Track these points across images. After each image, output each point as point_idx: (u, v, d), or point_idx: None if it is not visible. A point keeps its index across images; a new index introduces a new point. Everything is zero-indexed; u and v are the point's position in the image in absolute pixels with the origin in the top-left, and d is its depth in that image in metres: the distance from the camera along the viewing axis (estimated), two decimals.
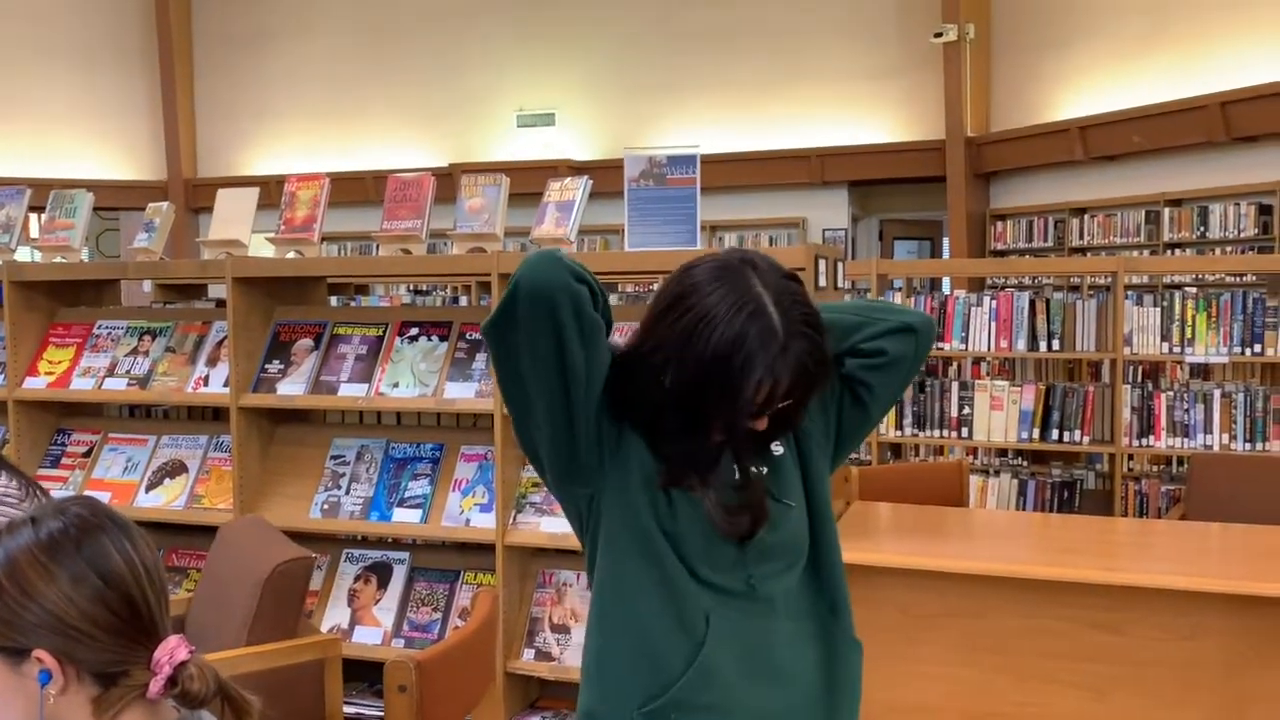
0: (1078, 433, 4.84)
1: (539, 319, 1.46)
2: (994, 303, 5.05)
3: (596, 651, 1.61)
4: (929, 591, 3.09)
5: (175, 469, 3.94)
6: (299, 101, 12.28)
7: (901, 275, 6.25)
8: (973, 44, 9.90)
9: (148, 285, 5.24)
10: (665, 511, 1.55)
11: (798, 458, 1.65)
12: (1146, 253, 8.78)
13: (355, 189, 10.29)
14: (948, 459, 5.39)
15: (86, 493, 3.81)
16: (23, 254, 4.38)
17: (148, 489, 3.91)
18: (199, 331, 4.00)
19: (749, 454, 1.57)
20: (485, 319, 1.52)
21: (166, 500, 3.87)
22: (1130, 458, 5.13)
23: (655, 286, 1.60)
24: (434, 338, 3.67)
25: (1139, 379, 5.27)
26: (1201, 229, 8.47)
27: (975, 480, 5.12)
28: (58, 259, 4.14)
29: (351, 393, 3.64)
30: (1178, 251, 8.64)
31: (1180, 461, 5.26)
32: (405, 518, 3.56)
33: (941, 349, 5.15)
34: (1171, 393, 4.75)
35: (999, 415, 4.96)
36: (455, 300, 8.48)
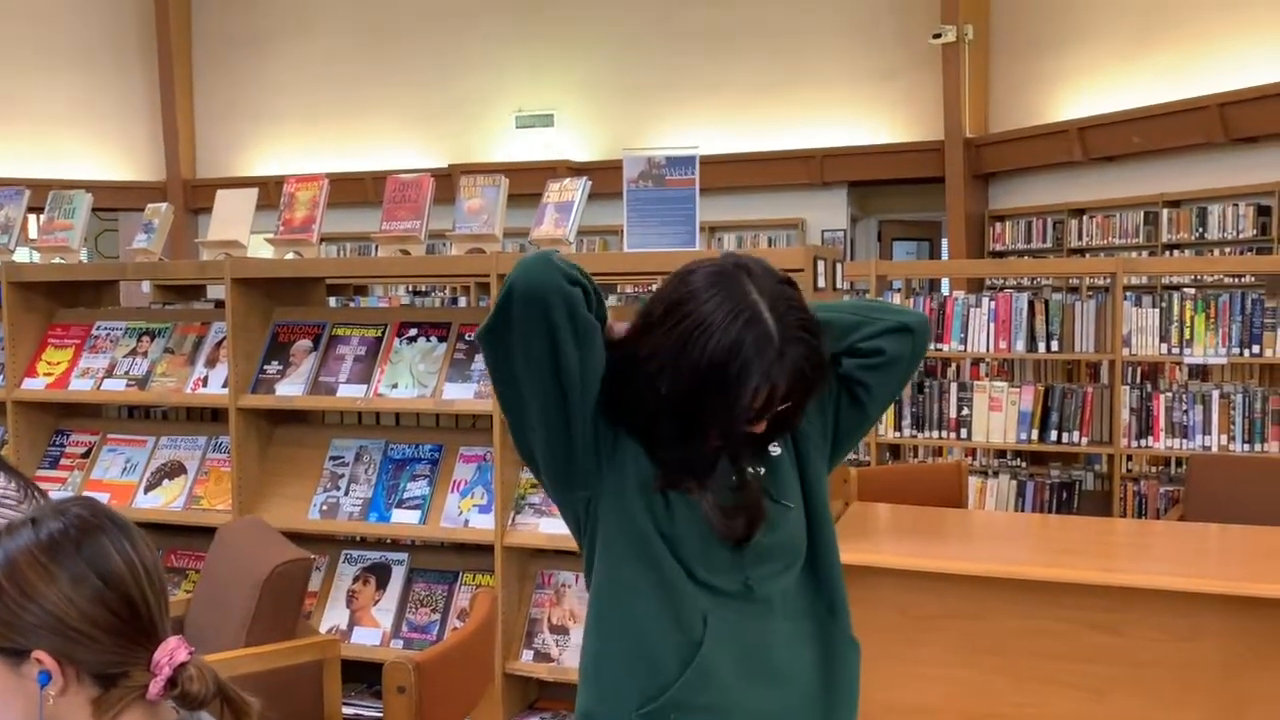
0: (1076, 434, 4.84)
1: (533, 320, 1.46)
2: (993, 304, 5.05)
3: (594, 653, 1.61)
4: (928, 592, 3.09)
5: (174, 470, 3.94)
6: (298, 102, 12.28)
7: (900, 276, 6.26)
8: (971, 45, 9.90)
9: (146, 286, 5.24)
10: (662, 513, 1.55)
11: (795, 458, 1.65)
12: (1145, 253, 8.78)
13: (354, 190, 10.29)
14: (946, 460, 5.39)
15: (85, 493, 3.81)
16: (21, 255, 4.38)
17: (146, 490, 3.91)
18: (198, 332, 4.00)
19: (746, 455, 1.57)
20: (480, 325, 1.52)
21: (165, 501, 3.87)
22: (1129, 459, 5.14)
23: (654, 287, 1.60)
24: (433, 338, 3.67)
25: (1138, 380, 5.27)
26: (1200, 230, 8.47)
27: (974, 481, 5.12)
28: (56, 260, 4.14)
29: (350, 393, 3.64)
30: (1176, 252, 8.65)
31: (1179, 462, 5.26)
32: (404, 519, 3.56)
33: (940, 350, 5.16)
34: (1170, 394, 4.75)
35: (998, 416, 4.96)
36: (454, 301, 8.48)
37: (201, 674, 1.38)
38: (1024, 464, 5.45)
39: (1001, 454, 5.53)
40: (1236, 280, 7.47)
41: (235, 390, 3.73)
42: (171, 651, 1.37)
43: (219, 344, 3.88)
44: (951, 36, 9.83)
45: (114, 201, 11.19)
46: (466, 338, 3.63)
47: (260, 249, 4.02)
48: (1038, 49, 9.62)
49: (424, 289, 9.17)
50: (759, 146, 10.62)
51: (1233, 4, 8.09)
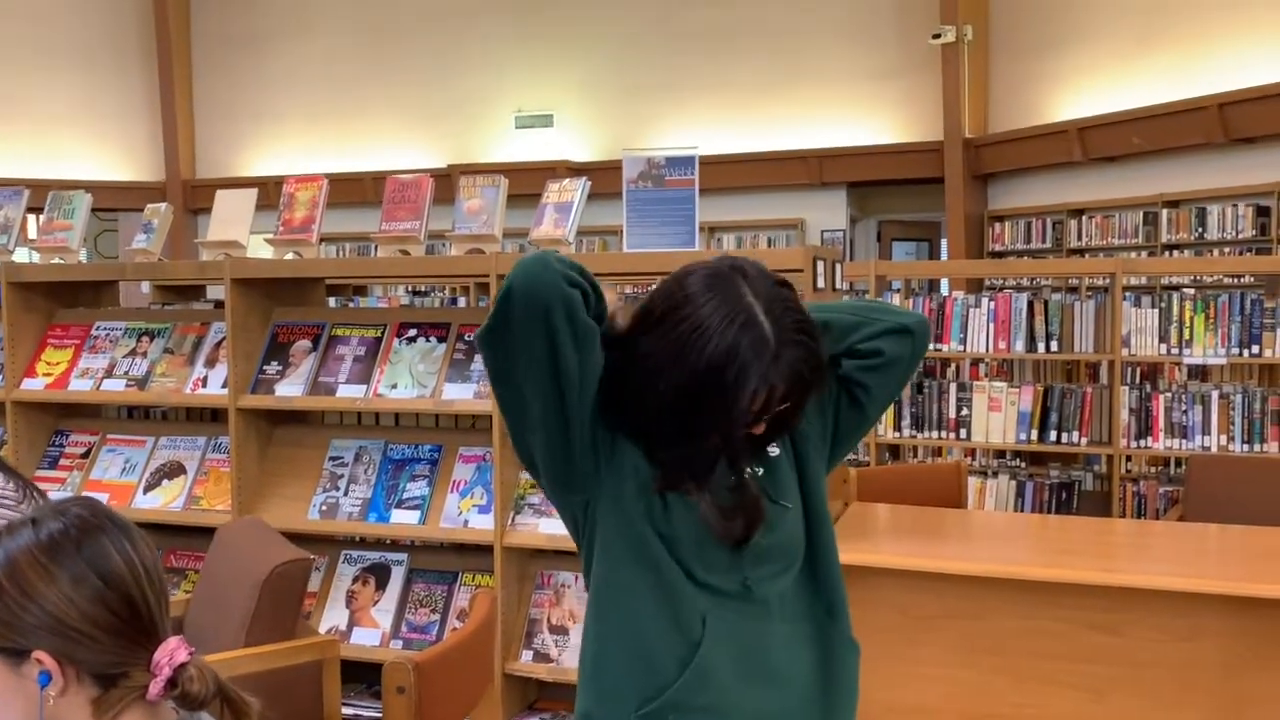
0: (1076, 434, 4.84)
1: (531, 322, 1.46)
2: (992, 304, 5.06)
3: (593, 654, 1.61)
4: (927, 593, 3.09)
5: (173, 470, 3.94)
6: (297, 102, 12.28)
7: (900, 276, 6.26)
8: (971, 45, 9.91)
9: (146, 286, 5.24)
10: (661, 515, 1.55)
11: (794, 459, 1.65)
12: (1145, 254, 8.78)
13: (354, 190, 10.28)
14: (946, 460, 5.39)
15: (85, 494, 3.81)
16: (21, 255, 4.38)
17: (146, 490, 3.91)
18: (197, 332, 4.00)
19: (745, 456, 1.57)
20: (480, 327, 1.52)
21: (165, 501, 3.87)
22: (1128, 459, 5.14)
23: (654, 287, 1.60)
24: (432, 339, 3.67)
25: (1137, 380, 5.27)
26: (1199, 230, 8.48)
27: (973, 481, 5.12)
28: (56, 260, 4.14)
29: (350, 394, 3.64)
30: (1176, 253, 8.65)
31: (1178, 463, 5.26)
32: (403, 519, 3.56)
33: (940, 350, 5.16)
34: (1169, 394, 4.75)
35: (997, 416, 4.96)
36: (454, 301, 8.48)
37: (202, 674, 1.38)
38: (1023, 464, 5.45)
39: (1001, 454, 5.53)
40: (1236, 280, 7.47)
41: (235, 390, 3.73)
42: (172, 652, 1.37)
43: (218, 344, 3.88)
44: (951, 37, 9.84)
45: (113, 202, 11.19)
46: (466, 338, 3.63)
47: (260, 249, 4.02)
48: (1037, 49, 9.62)
49: (423, 289, 9.16)
50: (758, 147, 10.62)
51: (1232, 4, 8.09)
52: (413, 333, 3.71)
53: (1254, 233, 8.15)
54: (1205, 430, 4.69)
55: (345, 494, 3.67)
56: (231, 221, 3.88)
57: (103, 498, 3.79)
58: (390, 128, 11.85)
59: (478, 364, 3.55)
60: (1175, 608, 2.85)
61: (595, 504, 1.58)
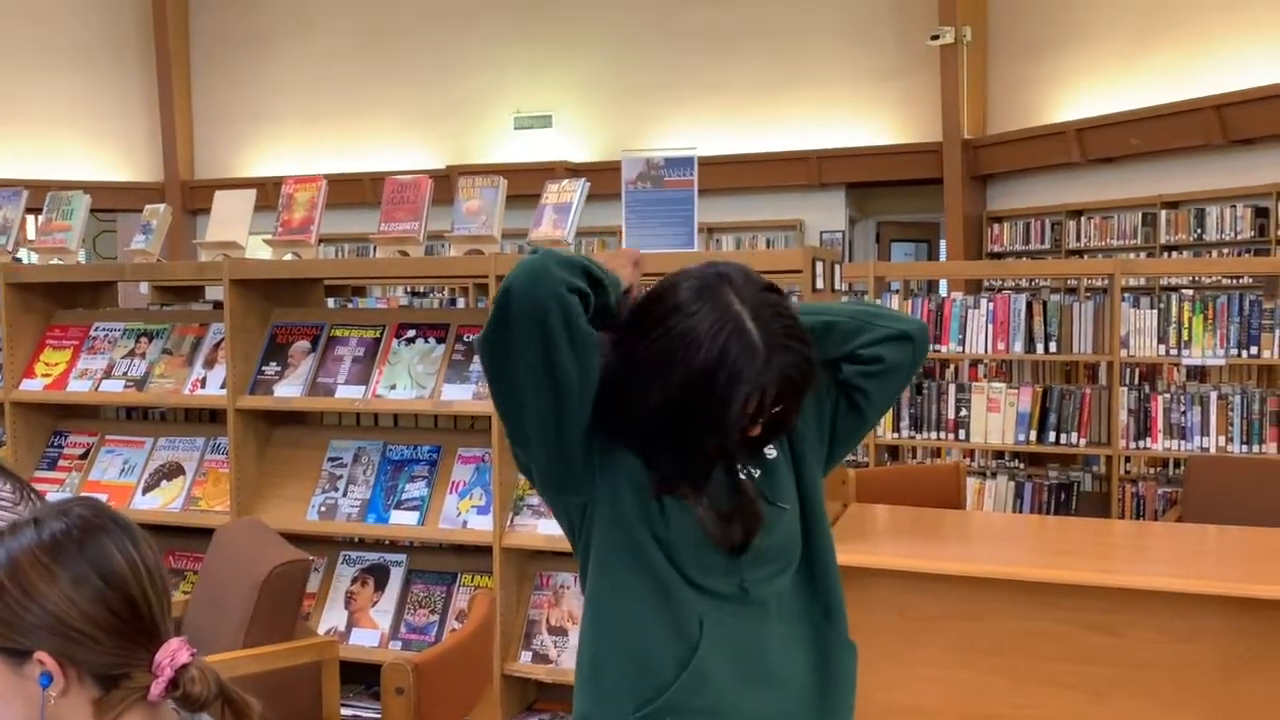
0: (1074, 435, 4.84)
1: (529, 327, 1.46)
2: (991, 305, 5.06)
3: (590, 657, 1.61)
4: (926, 594, 3.09)
5: (172, 471, 3.94)
6: (296, 103, 12.27)
7: (899, 277, 6.25)
8: (969, 46, 9.91)
9: (144, 287, 5.24)
10: (658, 518, 1.55)
11: (791, 460, 1.66)
12: (1143, 255, 8.79)
13: (353, 191, 10.29)
14: (945, 461, 5.39)
15: (84, 494, 3.81)
16: (20, 255, 4.38)
17: (145, 491, 3.91)
18: (196, 333, 4.00)
19: (742, 457, 1.58)
20: (480, 333, 1.52)
21: (163, 502, 3.87)
22: (1127, 460, 5.14)
23: (643, 296, 1.60)
24: (431, 340, 3.68)
25: (1136, 381, 5.27)
26: (1198, 231, 8.48)
27: (972, 482, 5.13)
28: (54, 261, 4.14)
29: (349, 394, 3.64)
30: (1174, 254, 8.66)
31: (1177, 464, 5.27)
32: (402, 520, 3.56)
33: (938, 351, 5.16)
34: (1168, 395, 4.76)
35: (996, 417, 4.96)
36: (453, 302, 8.47)
37: (203, 675, 1.38)
38: (1022, 465, 5.45)
39: (1000, 455, 5.54)
40: (1234, 281, 7.48)
41: (233, 391, 3.73)
42: (173, 653, 1.37)
43: (217, 345, 3.88)
44: (950, 38, 9.84)
45: (112, 202, 11.19)
46: (465, 339, 3.63)
47: (258, 250, 4.02)
48: (1036, 50, 9.63)
49: (422, 290, 9.16)
50: (758, 147, 10.62)
51: (1232, 5, 8.10)
52: (412, 333, 3.71)
53: (1253, 234, 8.16)
54: (1204, 431, 4.69)
55: (344, 495, 3.67)
56: (230, 222, 3.88)
57: (101, 498, 3.78)
58: (389, 128, 11.86)
59: (476, 365, 3.55)
60: (1174, 609, 2.86)
61: (592, 507, 1.58)
